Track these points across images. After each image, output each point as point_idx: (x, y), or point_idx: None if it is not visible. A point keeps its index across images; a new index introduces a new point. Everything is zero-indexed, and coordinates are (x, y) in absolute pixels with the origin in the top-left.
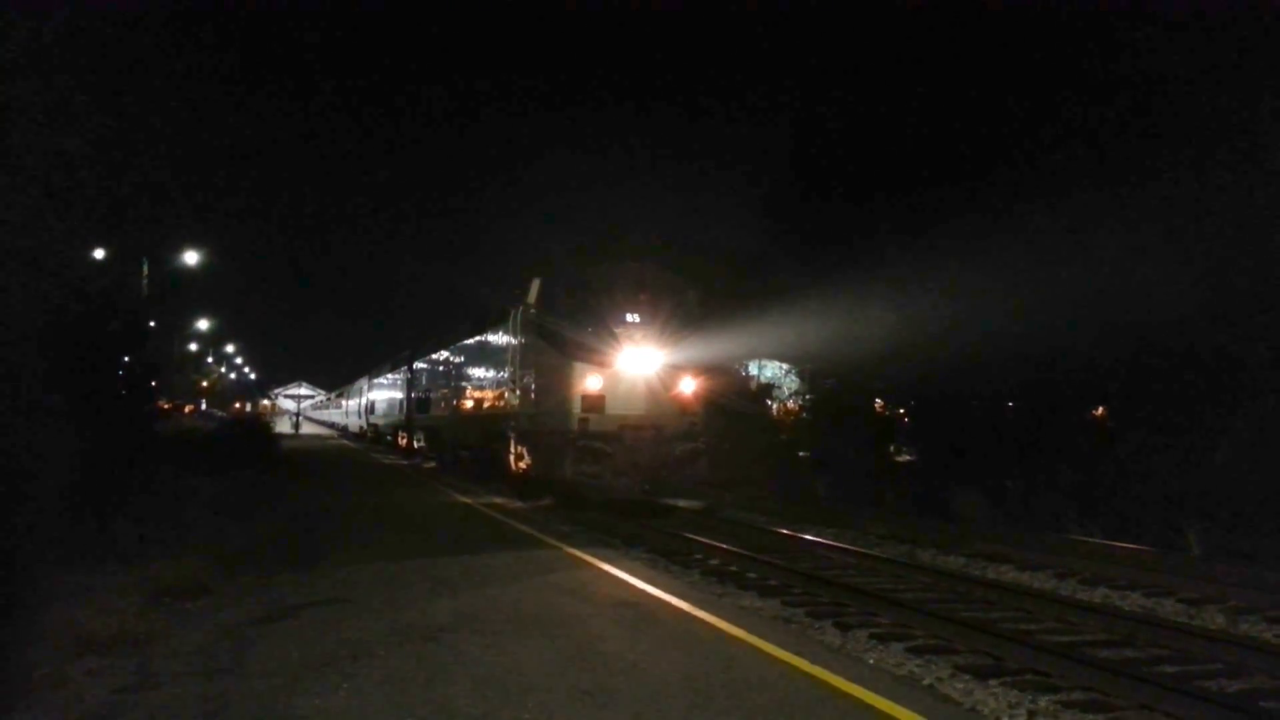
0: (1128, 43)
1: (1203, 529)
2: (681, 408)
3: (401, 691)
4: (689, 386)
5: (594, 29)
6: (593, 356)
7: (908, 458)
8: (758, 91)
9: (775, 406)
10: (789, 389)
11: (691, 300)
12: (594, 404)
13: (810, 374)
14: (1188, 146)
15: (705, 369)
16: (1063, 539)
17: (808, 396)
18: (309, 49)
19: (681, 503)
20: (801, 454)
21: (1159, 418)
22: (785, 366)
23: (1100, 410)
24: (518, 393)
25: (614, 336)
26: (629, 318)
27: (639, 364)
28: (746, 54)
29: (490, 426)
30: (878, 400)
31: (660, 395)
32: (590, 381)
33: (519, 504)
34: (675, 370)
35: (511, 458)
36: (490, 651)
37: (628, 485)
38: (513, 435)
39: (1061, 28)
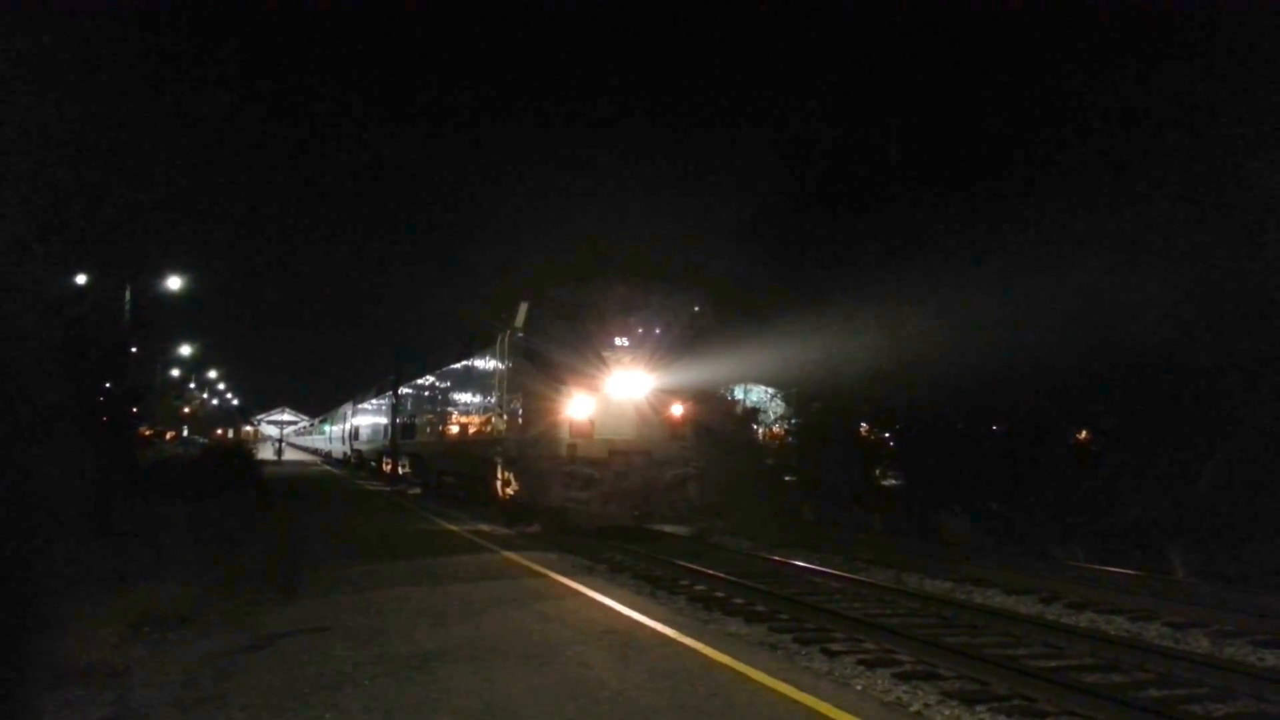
0: (1112, 64)
1: (1188, 552)
2: (671, 432)
3: None
4: (678, 411)
5: (580, 45)
6: (581, 381)
7: (893, 481)
8: (746, 111)
9: (761, 431)
10: (774, 413)
11: (680, 323)
12: (583, 429)
13: (796, 398)
14: (1171, 169)
15: (693, 393)
16: (1048, 563)
17: (794, 421)
18: (294, 71)
19: (670, 529)
20: (788, 478)
21: (1142, 440)
22: (771, 390)
23: (1084, 434)
24: (505, 418)
25: (602, 360)
26: (617, 341)
27: (628, 388)
28: (736, 70)
29: (477, 452)
30: (863, 424)
31: (650, 420)
32: (579, 406)
33: (506, 531)
34: (665, 394)
35: (498, 484)
36: (476, 680)
37: (617, 511)
38: (500, 461)
39: (1046, 49)
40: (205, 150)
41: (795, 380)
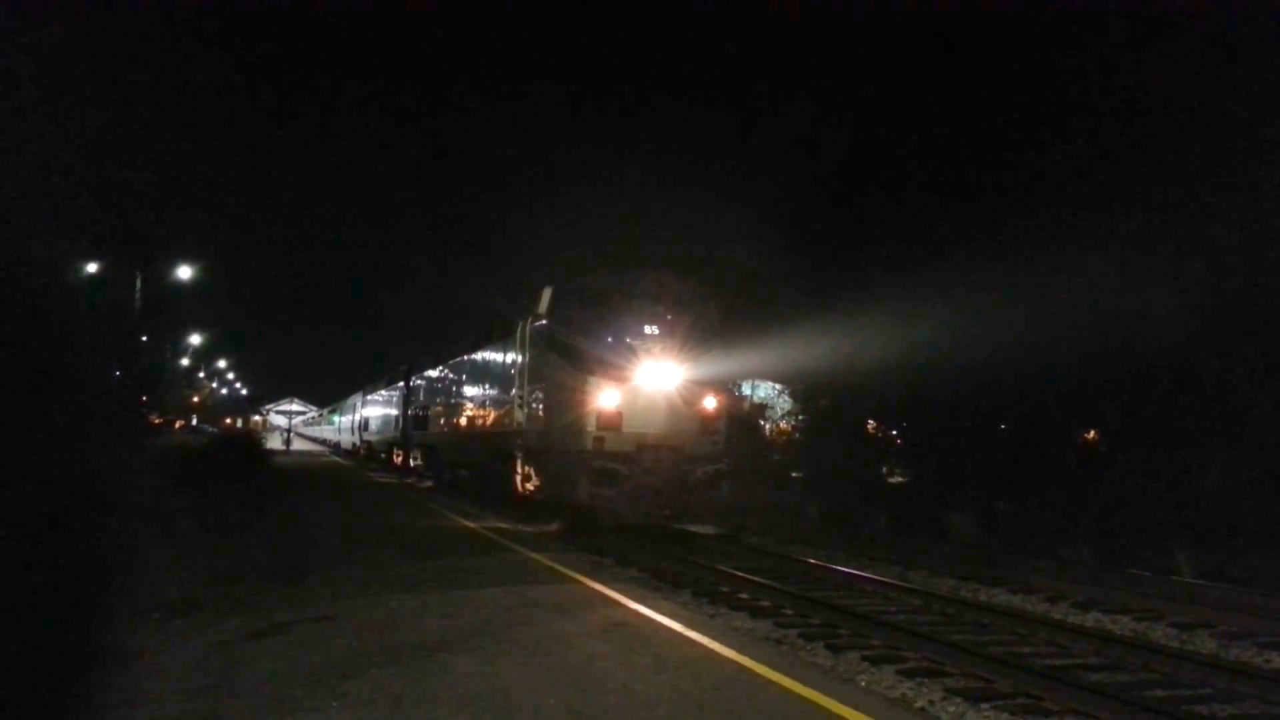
0: (1125, 64)
1: (1195, 553)
2: (703, 426)
3: (393, 709)
4: (711, 404)
5: (606, 31)
6: (609, 371)
7: (900, 479)
8: (761, 107)
9: (768, 427)
10: (782, 409)
11: (713, 312)
12: (610, 421)
13: (804, 394)
14: (1183, 170)
15: (721, 385)
16: (1055, 562)
17: (801, 417)
18: (308, 52)
19: (697, 528)
20: (795, 474)
21: (1150, 441)
22: (778, 387)
23: (1092, 434)
24: (525, 409)
25: (631, 350)
26: (647, 330)
27: (658, 379)
28: (758, 62)
29: (494, 445)
30: (871, 421)
31: (681, 413)
32: (606, 397)
33: (523, 528)
34: (696, 386)
35: (518, 478)
36: (482, 671)
37: (646, 509)
38: (519, 454)
39: (1061, 47)
40: (217, 137)
41: (803, 376)
